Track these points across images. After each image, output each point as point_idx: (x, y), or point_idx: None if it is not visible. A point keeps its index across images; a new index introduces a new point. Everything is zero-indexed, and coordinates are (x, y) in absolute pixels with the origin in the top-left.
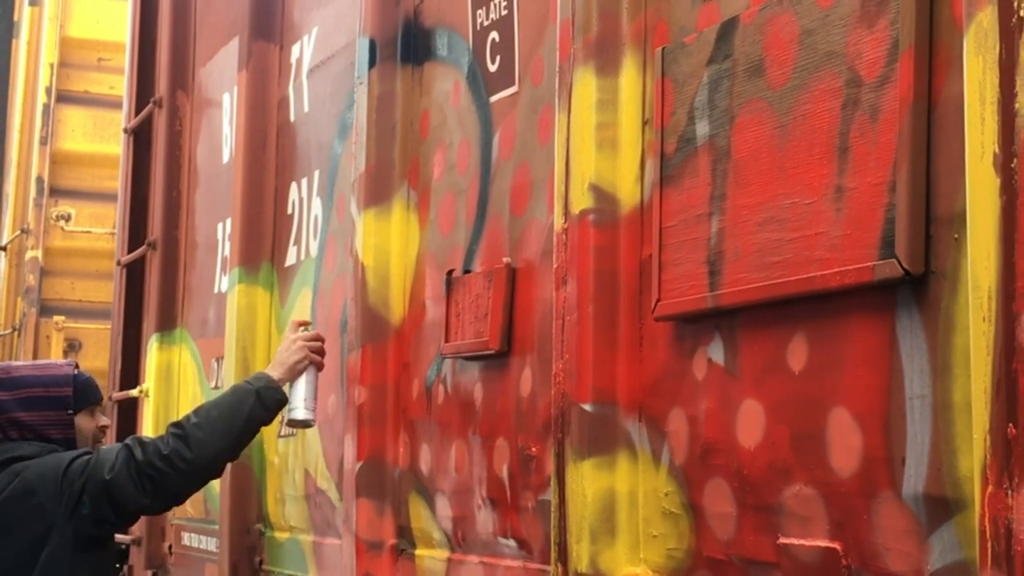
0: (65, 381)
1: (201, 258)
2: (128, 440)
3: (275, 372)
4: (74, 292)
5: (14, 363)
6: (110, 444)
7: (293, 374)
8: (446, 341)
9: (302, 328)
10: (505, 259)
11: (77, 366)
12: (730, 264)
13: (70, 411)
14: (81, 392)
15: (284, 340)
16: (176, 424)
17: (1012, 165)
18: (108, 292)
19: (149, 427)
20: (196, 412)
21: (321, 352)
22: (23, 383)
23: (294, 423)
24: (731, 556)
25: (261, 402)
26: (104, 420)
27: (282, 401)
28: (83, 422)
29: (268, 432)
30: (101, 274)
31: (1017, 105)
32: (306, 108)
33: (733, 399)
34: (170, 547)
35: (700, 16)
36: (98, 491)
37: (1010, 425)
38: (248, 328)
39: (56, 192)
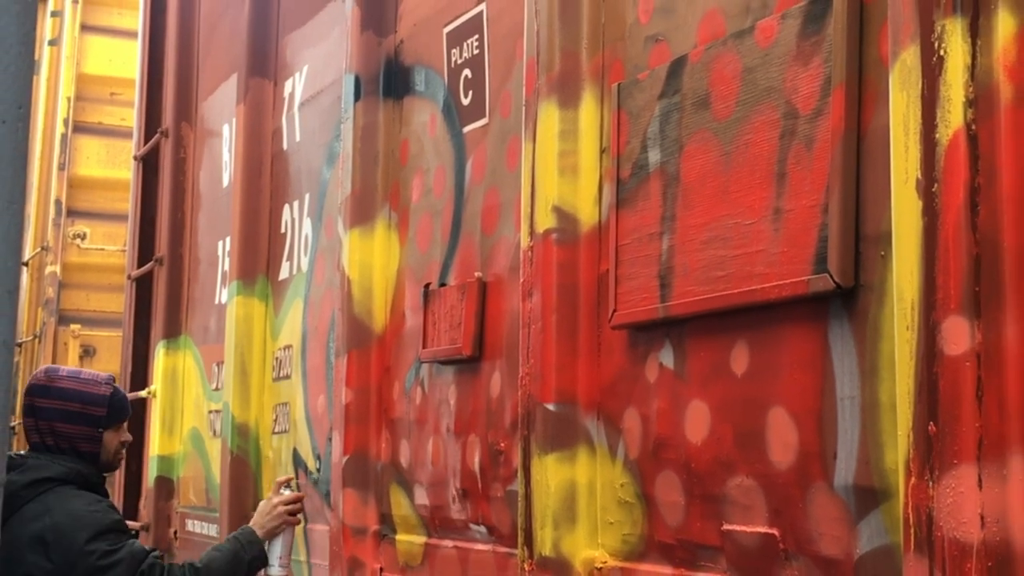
0: (102, 401)
1: (203, 272)
2: (146, 570)
3: (259, 531)
4: (89, 303)
5: (59, 371)
6: (130, 548)
7: (272, 536)
8: (423, 347)
9: (285, 487)
10: (477, 274)
11: (114, 381)
12: (679, 278)
13: (100, 428)
14: (113, 412)
15: (266, 502)
16: (194, 570)
17: (933, 189)
18: (119, 303)
19: (156, 423)
20: (208, 567)
21: (298, 511)
22: (65, 395)
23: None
24: (680, 541)
25: (250, 568)
26: (127, 436)
27: (262, 567)
28: (109, 437)
29: (264, 429)
30: (113, 287)
31: (938, 135)
32: (298, 138)
33: (682, 399)
34: (175, 532)
35: (652, 55)
36: None
37: (931, 423)
38: (245, 335)
39: (73, 213)
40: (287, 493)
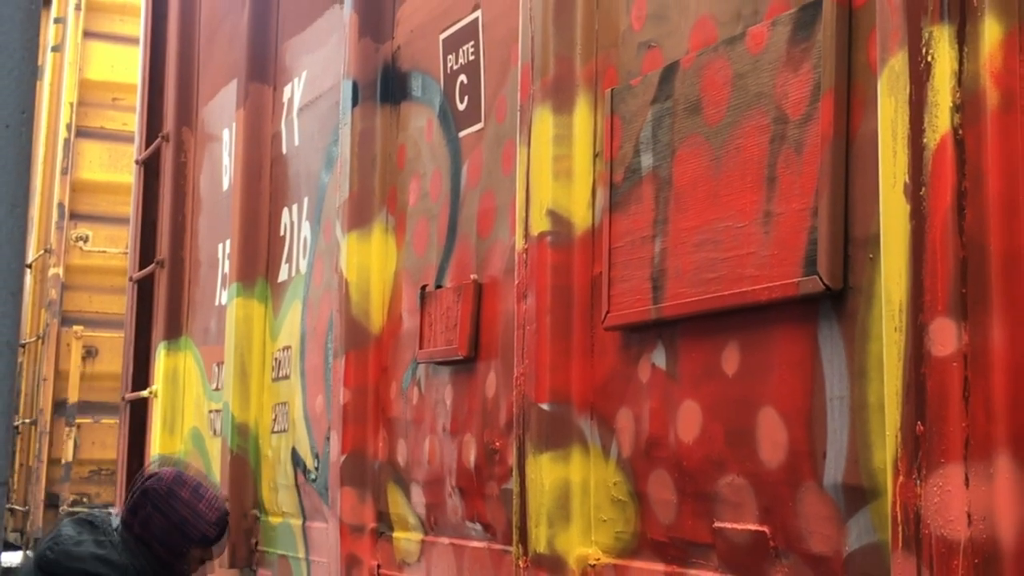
0: (205, 540)
1: (204, 274)
2: None
3: None
4: (91, 305)
5: (206, 486)
6: None
7: None
8: (420, 348)
9: None
10: (472, 276)
11: (227, 516)
12: (671, 280)
13: (184, 564)
14: (219, 541)
15: None
16: None
17: (921, 193)
18: (121, 305)
19: (158, 422)
20: None
21: None
22: (179, 519)
23: None
24: (672, 538)
25: None
26: (209, 554)
27: None
28: (196, 553)
29: (263, 428)
30: (115, 289)
31: (925, 140)
32: (296, 142)
33: (674, 399)
34: None
35: (645, 61)
36: None
37: (919, 423)
38: (245, 337)
39: (75, 216)
40: None
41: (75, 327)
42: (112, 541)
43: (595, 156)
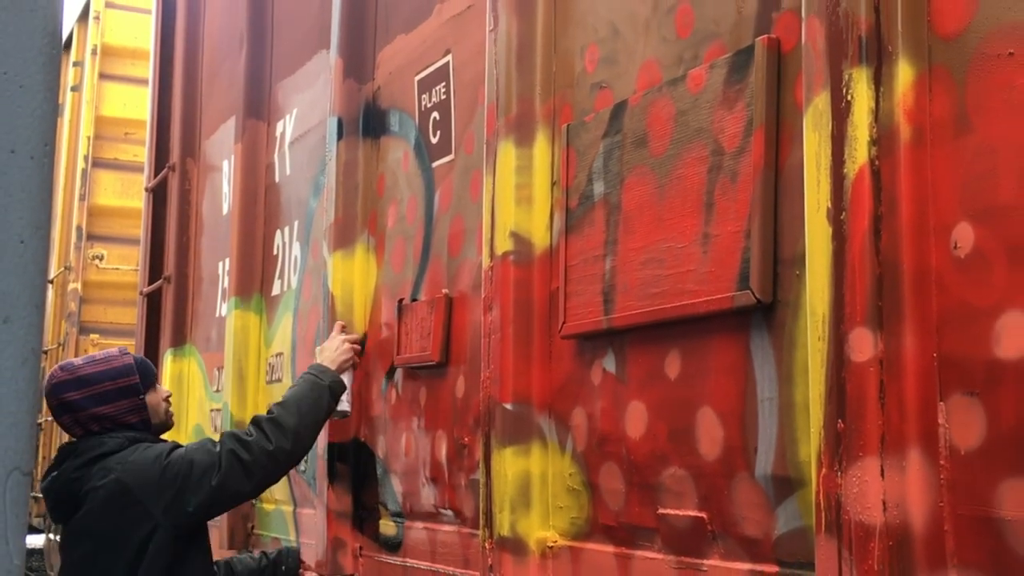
0: (128, 370)
1: (205, 289)
2: (226, 442)
3: (332, 367)
4: (106, 316)
5: (73, 362)
6: (196, 442)
7: (341, 371)
8: (397, 354)
9: (345, 330)
10: (444, 290)
11: (127, 351)
12: (620, 294)
13: (140, 395)
14: (144, 374)
15: (332, 340)
16: (272, 420)
17: (841, 217)
18: (132, 316)
19: None
20: (286, 407)
21: (360, 352)
22: (92, 380)
23: (337, 414)
24: (621, 523)
25: (333, 395)
26: (165, 391)
27: (342, 393)
28: (152, 399)
29: None
30: (127, 302)
31: (846, 170)
32: (288, 172)
33: (622, 400)
34: None
35: (597, 100)
36: (206, 494)
37: (840, 421)
38: (243, 344)
39: (92, 237)
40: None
41: (92, 335)
42: (82, 448)
43: (553, 184)
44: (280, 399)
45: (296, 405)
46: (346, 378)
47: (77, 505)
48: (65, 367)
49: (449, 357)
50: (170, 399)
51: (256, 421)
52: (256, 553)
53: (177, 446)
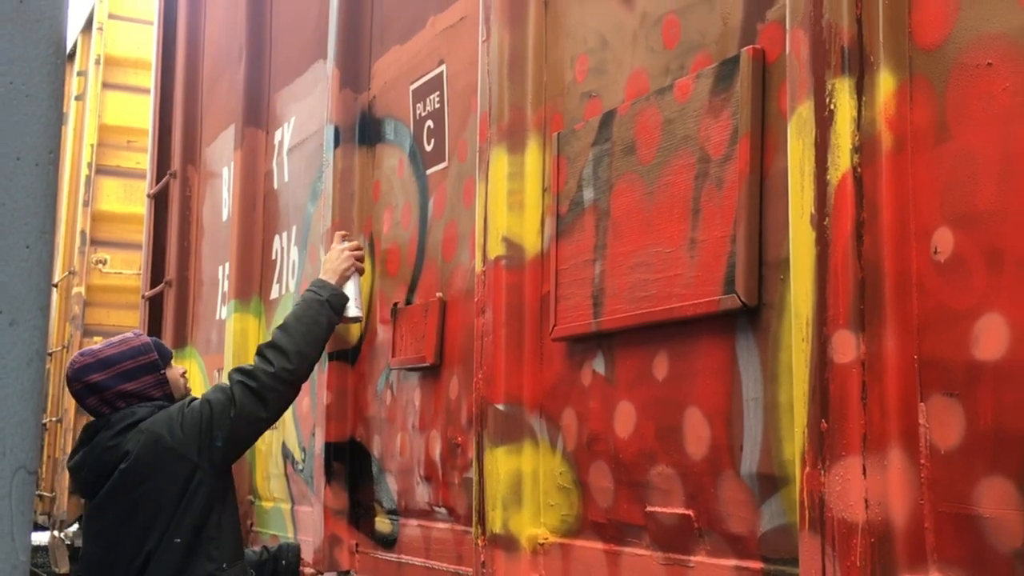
0: (147, 348)
1: (206, 293)
2: (234, 376)
3: (331, 279)
4: (109, 319)
5: (92, 348)
6: (210, 389)
7: (344, 279)
8: (392, 356)
9: (346, 238)
10: (438, 294)
11: (141, 332)
12: (609, 298)
13: (161, 371)
14: (161, 352)
15: (332, 251)
16: (271, 345)
17: (824, 223)
18: (135, 319)
19: None
20: (284, 330)
21: (362, 258)
22: (114, 360)
23: (347, 320)
24: (610, 520)
25: (332, 308)
26: (180, 368)
27: (344, 303)
28: (171, 375)
29: None
30: (130, 305)
31: (829, 177)
32: (286, 178)
33: (611, 400)
34: None
35: (587, 108)
36: (229, 427)
37: (823, 421)
38: (242, 346)
39: (95, 242)
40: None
41: (95, 338)
42: (114, 420)
43: (544, 190)
44: (282, 322)
45: (295, 325)
46: (351, 285)
47: (110, 475)
48: (85, 352)
49: (443, 359)
50: (186, 375)
51: (259, 350)
52: (257, 548)
53: (194, 399)
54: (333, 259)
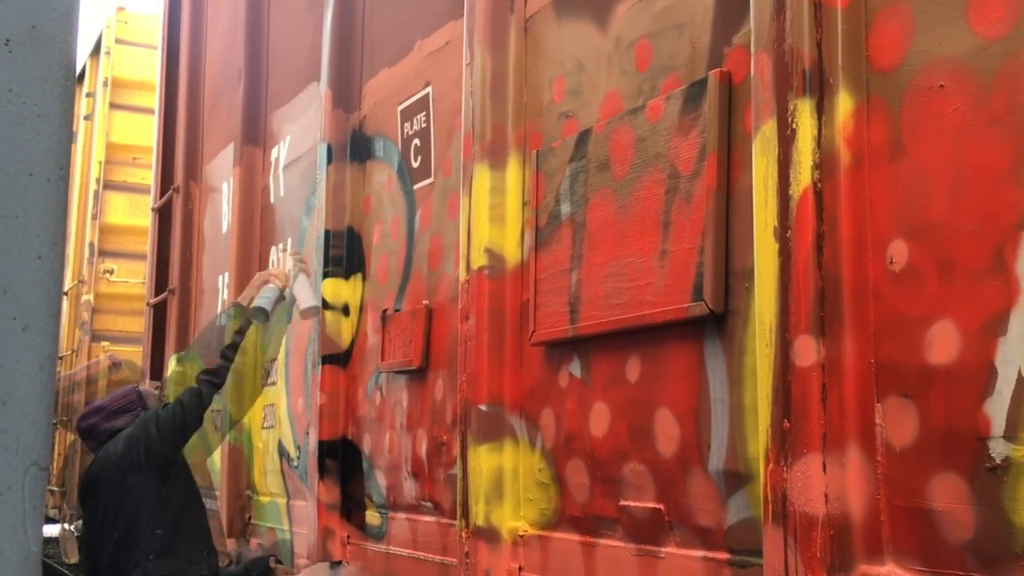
0: (130, 391)
1: (207, 300)
2: (201, 377)
3: (244, 302)
4: (116, 325)
5: (94, 402)
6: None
7: (257, 291)
8: (382, 360)
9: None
10: (424, 301)
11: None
12: (585, 305)
13: (139, 407)
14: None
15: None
16: (230, 346)
17: (787, 235)
18: (140, 325)
19: None
20: (210, 370)
21: (304, 261)
22: (104, 408)
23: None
24: (586, 514)
25: (257, 319)
26: (155, 383)
27: (259, 312)
28: (145, 392)
29: (255, 425)
30: (135, 312)
31: (791, 191)
32: (282, 193)
33: (587, 401)
34: None
35: (564, 127)
36: (178, 420)
37: (785, 420)
38: (240, 352)
39: (103, 253)
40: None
41: (103, 343)
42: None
43: (524, 204)
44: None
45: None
46: (302, 283)
47: (102, 476)
48: (91, 409)
49: (429, 362)
50: (159, 387)
51: (222, 352)
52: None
53: (167, 403)
54: (249, 287)
